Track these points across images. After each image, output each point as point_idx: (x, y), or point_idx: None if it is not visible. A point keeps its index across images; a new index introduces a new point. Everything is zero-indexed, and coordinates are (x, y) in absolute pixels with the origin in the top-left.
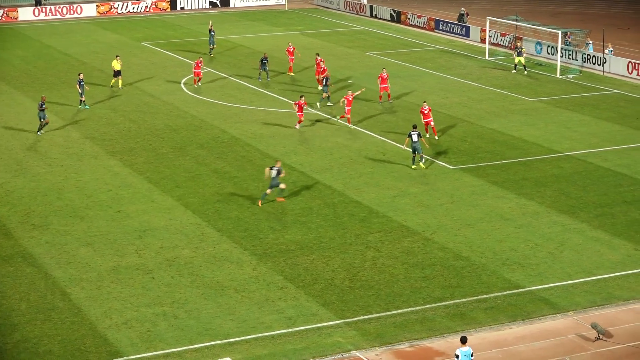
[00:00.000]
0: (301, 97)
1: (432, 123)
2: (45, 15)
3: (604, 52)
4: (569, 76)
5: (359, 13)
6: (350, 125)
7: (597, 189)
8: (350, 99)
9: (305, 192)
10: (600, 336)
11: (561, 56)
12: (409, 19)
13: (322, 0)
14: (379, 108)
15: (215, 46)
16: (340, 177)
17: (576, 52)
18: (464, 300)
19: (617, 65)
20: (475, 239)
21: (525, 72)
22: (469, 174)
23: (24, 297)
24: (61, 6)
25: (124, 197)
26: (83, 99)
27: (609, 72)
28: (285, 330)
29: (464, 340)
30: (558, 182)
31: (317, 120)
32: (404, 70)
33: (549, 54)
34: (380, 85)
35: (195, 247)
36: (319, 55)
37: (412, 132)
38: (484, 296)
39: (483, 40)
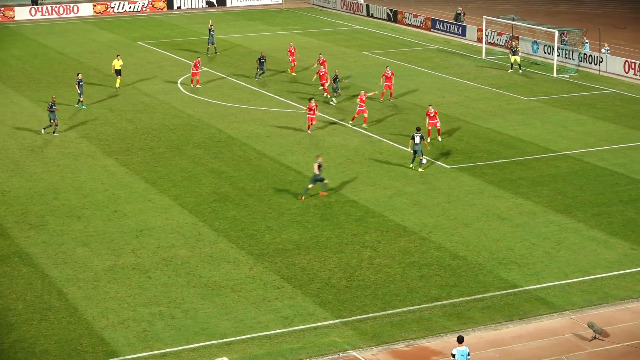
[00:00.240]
0: (311, 99)
1: (439, 125)
2: (42, 14)
3: (600, 52)
4: (565, 75)
5: (356, 12)
6: (364, 125)
7: (593, 189)
8: (364, 98)
9: (301, 192)
10: (597, 335)
11: (558, 55)
12: (405, 18)
13: (319, 0)
14: (375, 107)
15: (215, 45)
16: (336, 177)
17: (572, 52)
18: (460, 299)
19: (613, 65)
20: (472, 238)
21: (520, 72)
22: (465, 173)
23: (21, 297)
24: (58, 6)
25: (121, 196)
26: (81, 99)
27: (606, 72)
28: (282, 330)
29: (460, 340)
30: (555, 182)
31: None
32: (401, 70)
33: (545, 53)
34: (384, 83)
35: (191, 247)
36: (321, 55)
37: (415, 135)
38: (481, 295)
39: (480, 40)
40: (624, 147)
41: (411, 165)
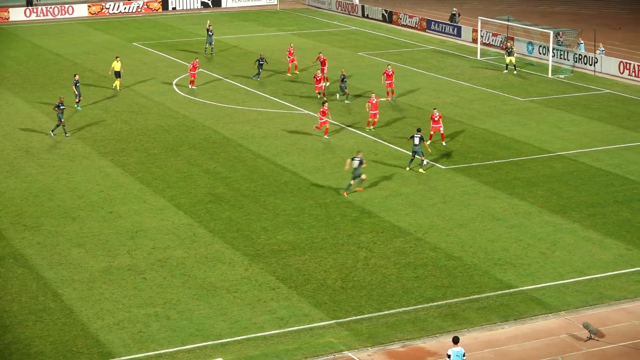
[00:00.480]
0: (324, 103)
1: (442, 129)
2: (37, 15)
3: (595, 52)
4: (560, 76)
5: (351, 13)
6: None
7: (588, 189)
8: (374, 102)
9: (297, 193)
10: (592, 336)
11: (553, 56)
12: (400, 19)
13: (314, 1)
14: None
15: (213, 46)
16: (332, 178)
17: (568, 52)
18: (456, 300)
19: (608, 65)
20: (467, 239)
21: (515, 72)
22: (460, 174)
23: (16, 298)
24: (52, 6)
25: (116, 197)
26: (78, 100)
27: (601, 72)
28: (277, 331)
29: (456, 341)
30: (550, 182)
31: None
32: (396, 71)
33: (540, 54)
34: (386, 82)
35: (187, 248)
36: (321, 53)
37: (414, 135)
38: (476, 296)
39: (475, 41)
40: (619, 148)
41: (408, 168)
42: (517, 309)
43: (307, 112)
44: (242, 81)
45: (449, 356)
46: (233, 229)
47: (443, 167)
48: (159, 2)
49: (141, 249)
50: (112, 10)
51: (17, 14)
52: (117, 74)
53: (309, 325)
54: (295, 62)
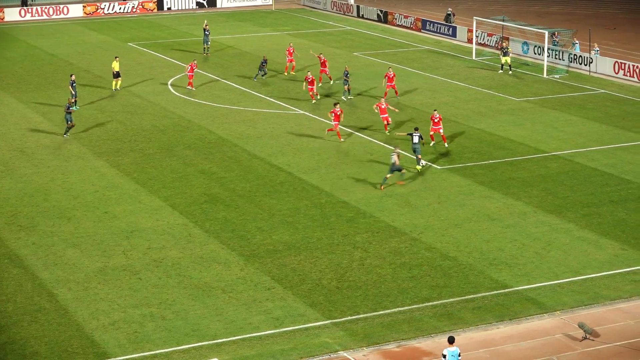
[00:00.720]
0: (336, 104)
1: (442, 131)
2: (32, 15)
3: (590, 52)
4: (555, 76)
5: (346, 13)
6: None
7: (583, 189)
8: (383, 106)
9: (292, 193)
10: (587, 336)
11: (548, 56)
12: (395, 19)
13: (309, 1)
14: (366, 108)
15: (209, 45)
16: (327, 178)
17: (563, 52)
18: (451, 300)
19: (603, 65)
20: (463, 239)
21: (510, 72)
22: (456, 174)
23: (11, 299)
24: (47, 7)
25: (111, 198)
26: (74, 100)
27: (596, 72)
28: (272, 331)
29: (451, 340)
30: (545, 182)
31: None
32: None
33: (535, 54)
34: (387, 84)
35: (182, 248)
36: (322, 54)
37: (413, 134)
38: (472, 296)
39: (470, 41)
40: (614, 148)
41: (418, 166)
42: (513, 308)
43: (302, 112)
44: (237, 81)
45: (444, 356)
46: (228, 229)
47: (438, 167)
48: (154, 2)
49: (136, 249)
50: (107, 10)
51: (12, 14)
52: (117, 74)
53: (304, 326)
54: (293, 62)
